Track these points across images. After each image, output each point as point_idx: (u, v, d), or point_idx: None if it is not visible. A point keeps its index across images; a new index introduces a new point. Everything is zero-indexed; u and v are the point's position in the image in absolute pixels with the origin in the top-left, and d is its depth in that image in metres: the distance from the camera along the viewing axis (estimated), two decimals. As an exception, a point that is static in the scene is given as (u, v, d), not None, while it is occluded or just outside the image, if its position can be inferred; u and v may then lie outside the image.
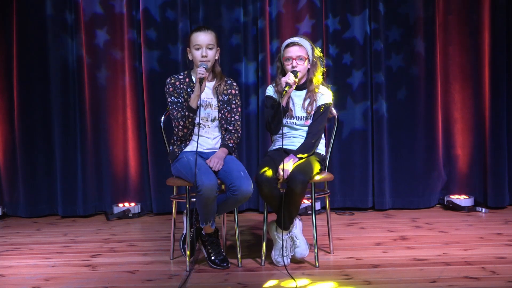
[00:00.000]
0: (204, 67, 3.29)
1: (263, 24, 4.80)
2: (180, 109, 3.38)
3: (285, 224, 3.30)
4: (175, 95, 3.43)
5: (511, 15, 4.81)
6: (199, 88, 3.28)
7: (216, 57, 3.43)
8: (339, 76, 4.84)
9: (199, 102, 3.34)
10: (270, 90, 3.52)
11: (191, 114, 3.32)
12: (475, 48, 4.86)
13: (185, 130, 3.38)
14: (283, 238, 3.31)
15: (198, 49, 3.36)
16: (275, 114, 3.38)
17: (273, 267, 3.32)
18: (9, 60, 4.91)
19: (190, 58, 3.44)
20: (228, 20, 4.85)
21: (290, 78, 3.31)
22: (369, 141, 4.89)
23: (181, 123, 3.35)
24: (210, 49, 3.37)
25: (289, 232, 3.33)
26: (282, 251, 3.30)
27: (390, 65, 4.87)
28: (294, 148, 3.41)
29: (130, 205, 4.91)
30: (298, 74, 3.36)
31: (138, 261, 3.52)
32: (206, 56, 3.35)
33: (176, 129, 3.40)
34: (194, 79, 3.44)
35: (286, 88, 3.29)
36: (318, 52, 3.48)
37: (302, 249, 3.35)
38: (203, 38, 3.35)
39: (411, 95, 4.88)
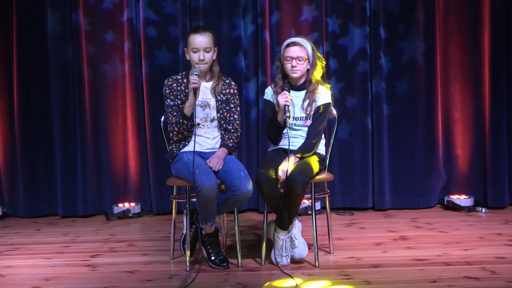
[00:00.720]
0: (196, 74, 3.28)
1: None
2: (175, 113, 3.38)
3: (284, 224, 3.30)
4: (171, 97, 3.42)
5: (511, 15, 4.81)
6: (193, 97, 3.28)
7: (214, 57, 3.43)
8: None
9: (197, 103, 3.34)
10: (268, 94, 3.53)
11: (185, 121, 3.32)
12: (475, 48, 4.86)
13: (180, 136, 3.39)
14: (282, 238, 3.31)
15: (195, 52, 3.36)
16: (276, 131, 3.43)
17: (273, 267, 3.32)
18: (9, 60, 4.91)
19: (188, 58, 3.44)
20: None
21: (287, 98, 3.32)
22: (369, 141, 4.89)
23: (176, 128, 3.36)
24: (208, 51, 3.36)
25: (288, 232, 3.33)
26: (282, 251, 3.30)
27: (390, 64, 4.87)
28: (294, 148, 3.41)
29: (130, 205, 4.91)
30: (294, 76, 3.39)
31: (138, 261, 3.52)
32: (203, 60, 3.35)
33: (171, 134, 3.41)
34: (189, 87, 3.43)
35: (288, 114, 3.34)
36: (318, 53, 3.49)
37: (301, 250, 3.35)
38: (201, 41, 3.34)
39: (411, 95, 4.88)
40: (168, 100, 3.42)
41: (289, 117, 3.34)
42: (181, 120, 3.33)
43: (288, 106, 3.33)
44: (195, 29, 3.42)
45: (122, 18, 4.88)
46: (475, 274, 3.09)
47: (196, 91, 3.27)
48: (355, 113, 4.87)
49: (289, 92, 3.37)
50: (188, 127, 3.35)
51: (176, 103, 3.41)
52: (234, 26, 4.85)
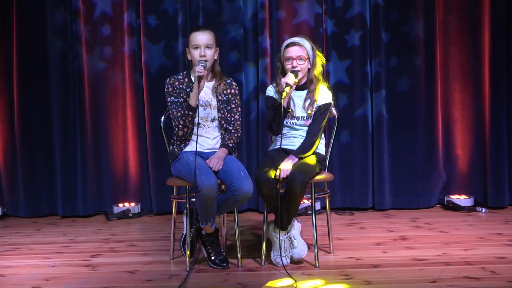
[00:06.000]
0: (202, 65, 3.30)
1: None
2: (180, 109, 3.38)
3: (283, 225, 3.30)
4: (175, 95, 3.43)
5: (511, 15, 4.81)
6: (197, 86, 3.28)
7: (215, 57, 3.43)
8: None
9: (198, 102, 3.34)
10: (270, 91, 3.52)
11: (190, 113, 3.32)
12: (475, 48, 4.86)
13: (185, 129, 3.38)
14: (281, 238, 3.31)
15: (196, 48, 3.37)
16: (276, 115, 3.37)
17: (273, 267, 3.32)
18: (9, 60, 4.91)
19: (189, 58, 3.44)
20: None
21: (290, 78, 3.31)
22: (369, 141, 4.89)
23: (181, 122, 3.35)
24: (209, 48, 3.37)
25: (287, 233, 3.33)
26: (281, 252, 3.30)
27: (390, 64, 4.87)
28: (294, 148, 3.41)
29: (130, 205, 4.91)
30: (298, 74, 3.36)
31: (138, 261, 3.52)
32: (204, 56, 3.35)
33: (176, 129, 3.40)
34: (193, 79, 3.44)
35: (286, 89, 3.29)
36: (318, 52, 3.48)
37: (300, 250, 3.35)
38: (202, 38, 3.36)
39: (411, 95, 4.88)
40: (172, 97, 3.43)
41: (287, 92, 3.28)
42: (186, 112, 3.32)
43: (288, 84, 3.29)
44: (195, 28, 3.45)
45: (122, 17, 4.87)
46: (475, 274, 3.09)
47: (200, 79, 3.27)
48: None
49: (295, 77, 3.33)
50: (194, 119, 3.35)
51: (180, 100, 3.42)
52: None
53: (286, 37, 4.78)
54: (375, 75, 4.82)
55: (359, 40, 4.84)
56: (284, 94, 3.28)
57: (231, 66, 4.86)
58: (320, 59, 3.49)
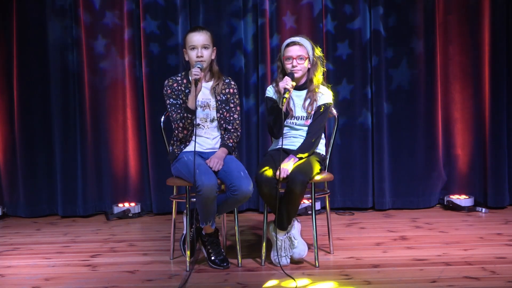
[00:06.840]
0: (199, 67, 3.29)
1: None
2: (179, 111, 3.38)
3: (283, 225, 3.30)
4: (174, 96, 3.42)
5: (511, 15, 4.81)
6: (194, 89, 3.28)
7: (213, 57, 3.43)
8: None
9: (197, 103, 3.34)
10: (270, 91, 3.52)
11: (189, 115, 3.32)
12: (475, 48, 4.86)
13: (185, 132, 3.38)
14: (281, 238, 3.31)
15: (193, 48, 3.37)
16: (277, 119, 3.37)
17: (273, 267, 3.32)
18: (9, 60, 4.91)
19: (187, 59, 3.44)
20: None
21: (288, 83, 3.30)
22: (369, 141, 4.89)
23: (181, 124, 3.35)
24: (206, 48, 3.37)
25: (287, 233, 3.33)
26: (281, 252, 3.30)
27: (390, 65, 4.87)
28: (294, 148, 3.41)
29: (130, 205, 4.91)
30: (294, 75, 3.36)
31: (138, 261, 3.52)
32: (201, 56, 3.35)
33: (176, 131, 3.40)
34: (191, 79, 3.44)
35: (286, 95, 3.28)
36: (318, 51, 3.48)
37: (300, 250, 3.35)
38: (198, 38, 3.36)
39: (411, 95, 4.88)
40: (171, 99, 3.43)
41: (286, 98, 3.28)
42: (185, 115, 3.32)
43: (286, 89, 3.29)
44: (192, 28, 3.45)
45: (122, 17, 4.87)
46: (475, 274, 3.09)
47: (197, 82, 3.27)
48: (355, 112, 4.87)
49: (292, 80, 3.33)
50: (193, 121, 3.35)
51: (179, 102, 3.42)
52: (234, 27, 4.86)
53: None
54: (375, 76, 4.82)
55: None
56: (284, 100, 3.28)
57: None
58: (321, 59, 3.48)
